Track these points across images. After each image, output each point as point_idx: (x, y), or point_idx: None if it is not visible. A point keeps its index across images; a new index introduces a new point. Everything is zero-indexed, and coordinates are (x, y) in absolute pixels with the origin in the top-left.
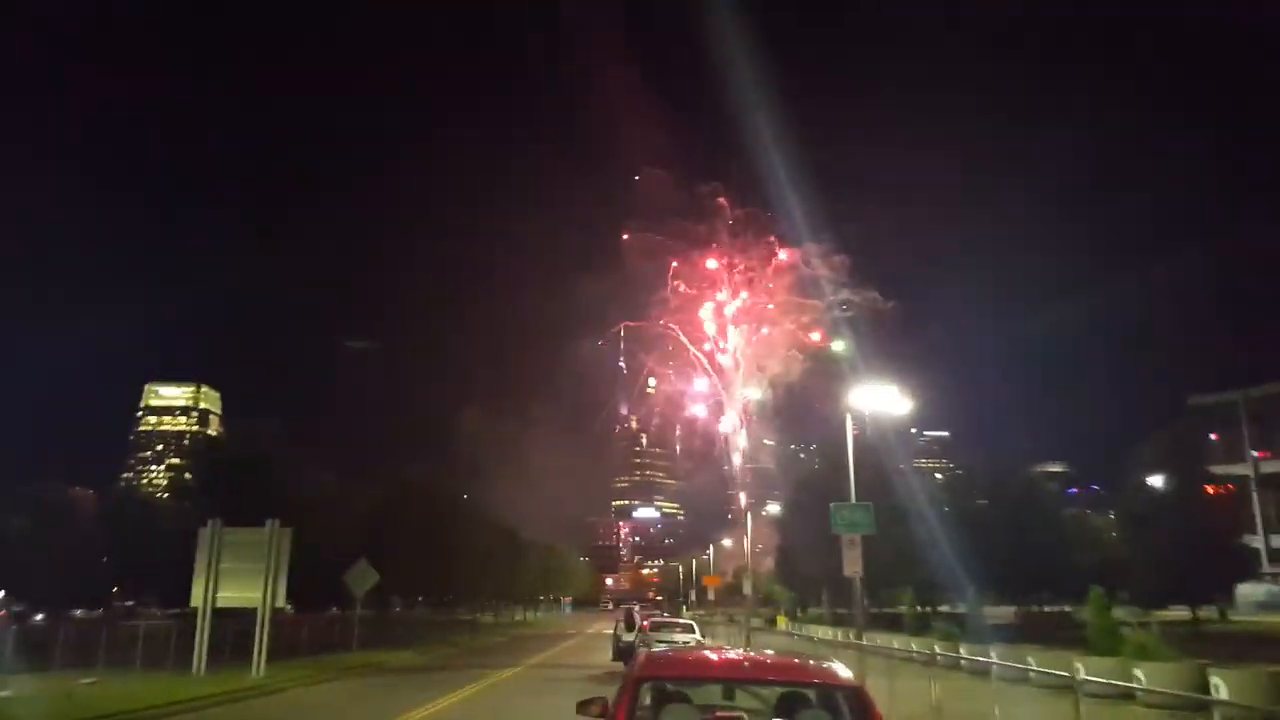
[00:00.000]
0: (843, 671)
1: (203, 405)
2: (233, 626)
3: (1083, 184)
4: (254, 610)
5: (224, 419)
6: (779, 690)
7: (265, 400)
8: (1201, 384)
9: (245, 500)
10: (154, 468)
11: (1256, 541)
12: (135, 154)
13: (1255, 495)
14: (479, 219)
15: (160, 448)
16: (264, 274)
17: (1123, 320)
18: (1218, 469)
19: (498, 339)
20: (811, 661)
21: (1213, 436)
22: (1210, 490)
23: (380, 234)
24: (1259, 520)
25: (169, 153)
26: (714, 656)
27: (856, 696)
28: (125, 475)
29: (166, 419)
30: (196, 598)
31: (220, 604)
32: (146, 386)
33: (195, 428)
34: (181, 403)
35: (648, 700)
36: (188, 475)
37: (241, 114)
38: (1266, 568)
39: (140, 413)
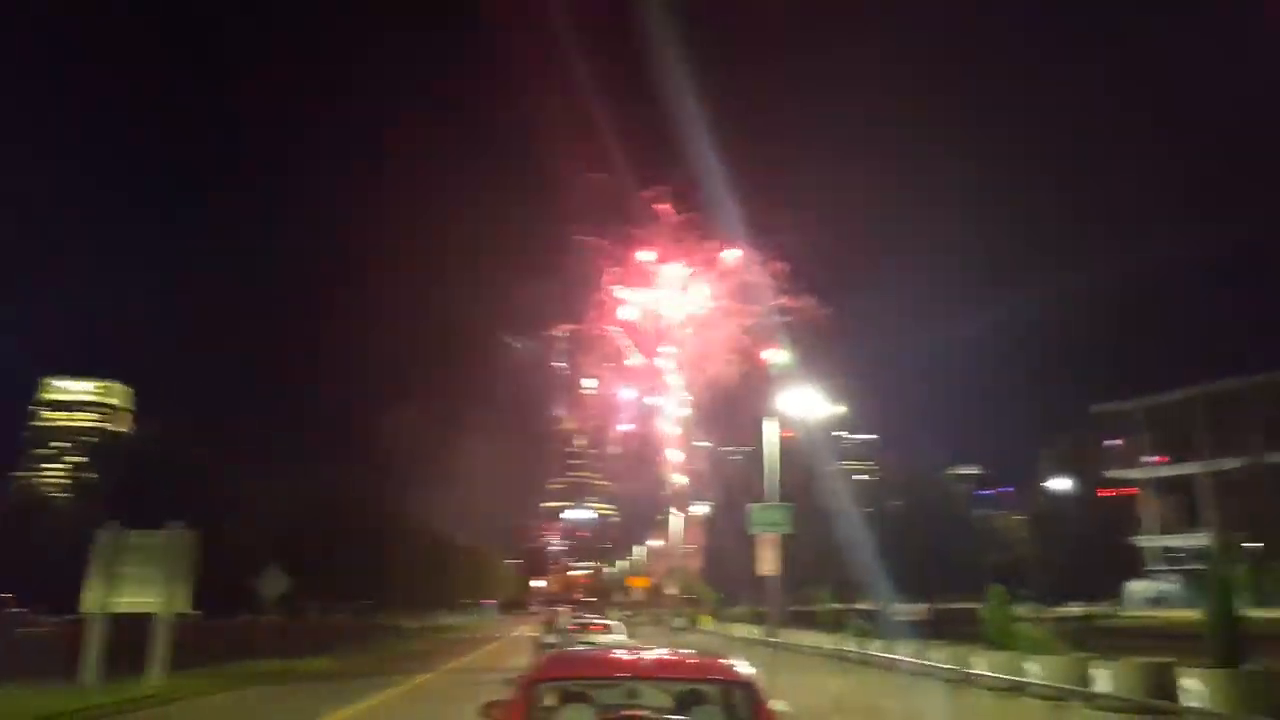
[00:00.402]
0: (741, 668)
1: (112, 401)
2: (131, 635)
3: (1000, 196)
4: (156, 616)
5: (137, 416)
6: (679, 687)
7: (183, 400)
8: (1106, 391)
9: (152, 501)
10: (51, 466)
11: (1150, 542)
12: (49, 138)
13: (1145, 498)
14: (410, 216)
15: (60, 445)
16: (184, 267)
17: (1037, 328)
18: (1115, 473)
19: (429, 339)
20: (711, 659)
21: (1117, 442)
22: (1110, 493)
23: (307, 230)
24: (1149, 521)
25: (86, 135)
26: (615, 655)
27: (750, 691)
28: (19, 474)
29: (67, 414)
30: (89, 603)
31: (117, 609)
32: (43, 380)
33: (104, 424)
34: (87, 398)
35: (551, 701)
36: (93, 474)
37: (158, 101)
38: (1155, 566)
39: (37, 407)
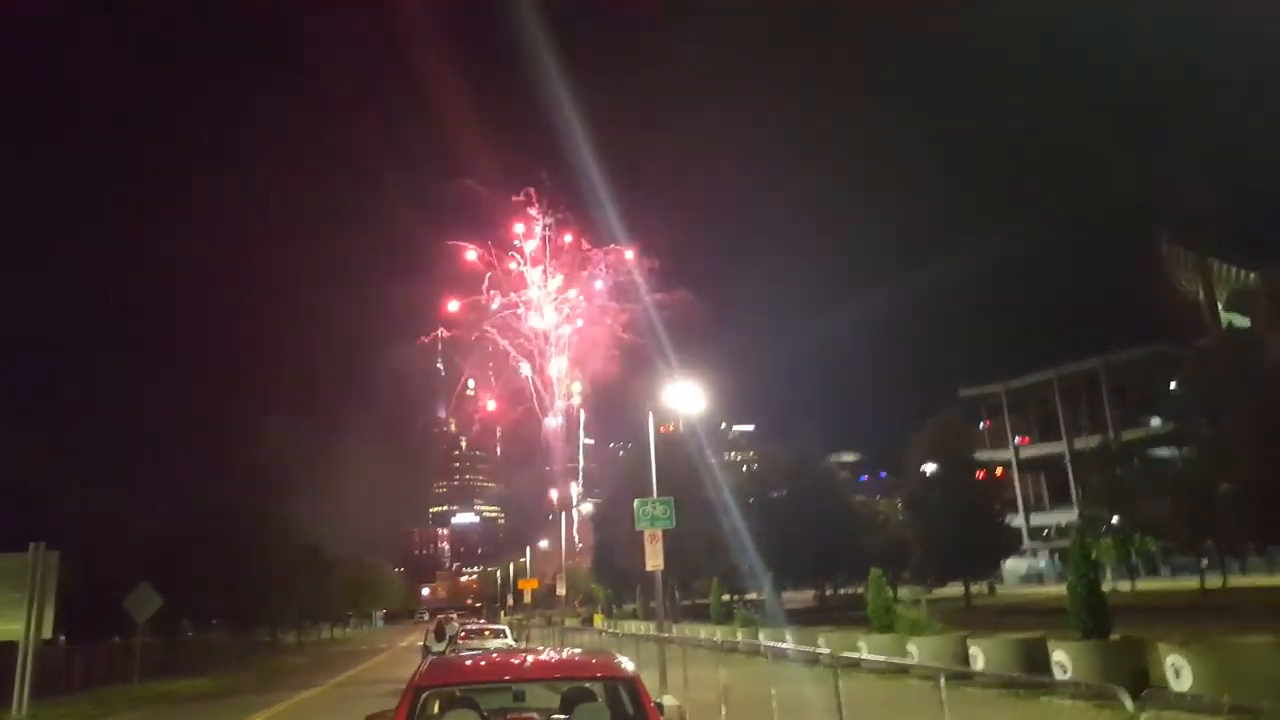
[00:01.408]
0: (624, 664)
1: None
2: None
3: (869, 188)
4: (15, 644)
5: None
6: (563, 687)
7: (44, 417)
8: (974, 376)
9: (13, 524)
10: None
11: (1018, 521)
12: None
13: (1016, 478)
14: (283, 224)
15: None
16: (42, 276)
17: (909, 314)
18: (984, 455)
19: (306, 348)
20: (594, 657)
21: (984, 424)
22: (980, 475)
23: (177, 237)
24: (1019, 501)
25: None
26: (499, 659)
27: (632, 686)
28: None
29: None
30: None
31: None
32: None
33: None
34: None
35: (436, 709)
36: None
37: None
38: (1027, 544)
39: None
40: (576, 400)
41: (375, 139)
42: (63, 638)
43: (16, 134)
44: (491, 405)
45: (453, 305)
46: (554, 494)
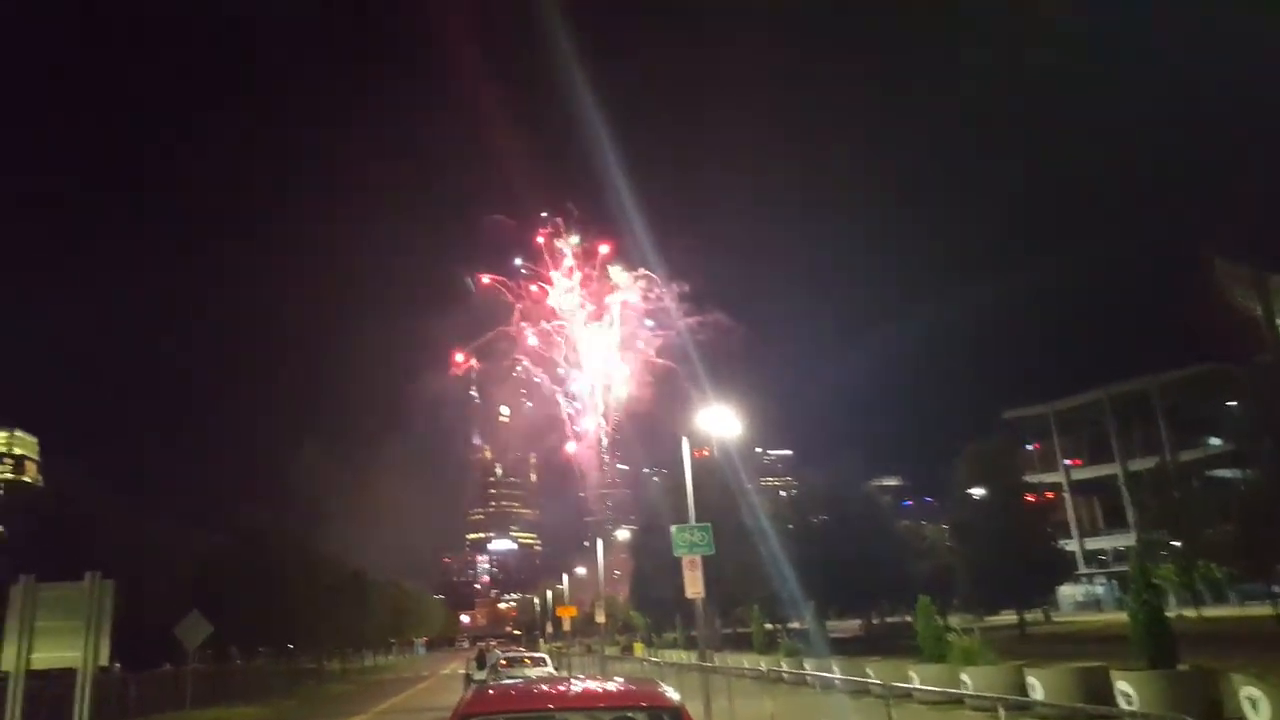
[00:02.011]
0: (668, 693)
1: (18, 451)
2: (50, 690)
3: (914, 206)
4: (74, 671)
5: (41, 466)
6: (607, 716)
7: (90, 444)
8: (1020, 397)
9: (64, 552)
10: None
11: (1072, 545)
12: None
13: (1069, 501)
14: (323, 255)
15: None
16: (87, 308)
17: (949, 339)
18: (1034, 478)
19: (344, 376)
20: (637, 686)
21: (1032, 447)
22: (1030, 498)
23: (216, 274)
24: (1072, 524)
25: None
26: (542, 688)
27: (677, 716)
28: None
29: None
30: (8, 661)
31: (36, 665)
32: None
33: (10, 476)
34: None
35: None
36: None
37: (64, 130)
38: (1082, 569)
39: None
40: (610, 425)
41: (411, 174)
42: (117, 665)
43: (70, 168)
44: (524, 427)
45: (486, 334)
46: (593, 520)
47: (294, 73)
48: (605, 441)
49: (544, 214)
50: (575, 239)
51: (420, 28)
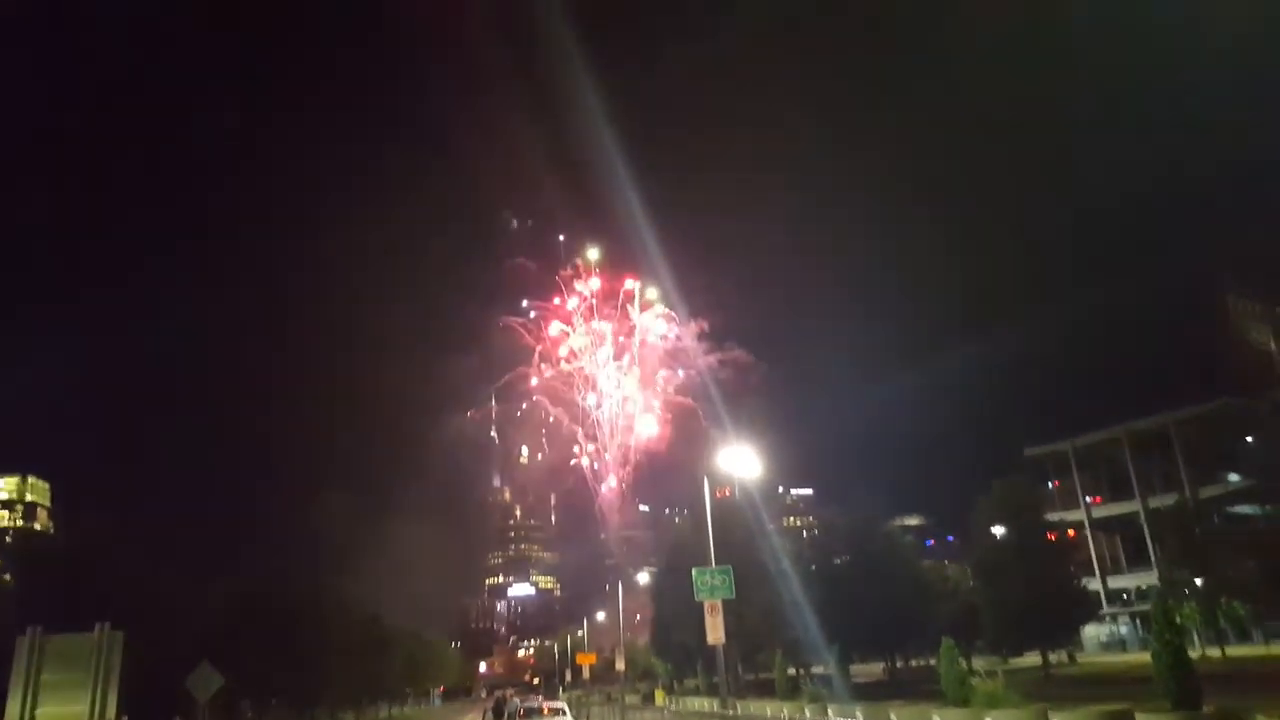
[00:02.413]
0: None
1: (30, 498)
2: None
3: (933, 244)
4: None
5: (53, 513)
6: None
7: (103, 490)
8: (1040, 435)
9: (75, 602)
10: None
11: (1095, 584)
12: None
13: (1090, 539)
14: (341, 300)
15: None
16: (103, 354)
17: (970, 373)
18: (1055, 516)
19: (362, 420)
20: None
21: (1052, 485)
22: (1051, 536)
23: (231, 319)
24: (1094, 563)
25: None
26: None
27: None
28: None
29: None
30: (12, 716)
31: None
32: None
33: (20, 523)
34: (3, 495)
35: None
36: (6, 576)
37: (75, 171)
38: (1106, 609)
39: None
40: (629, 465)
41: (430, 217)
42: (125, 719)
43: (79, 209)
44: (543, 469)
45: (505, 376)
46: (613, 563)
47: (314, 112)
48: (625, 483)
49: (565, 256)
50: (595, 282)
51: (435, 72)
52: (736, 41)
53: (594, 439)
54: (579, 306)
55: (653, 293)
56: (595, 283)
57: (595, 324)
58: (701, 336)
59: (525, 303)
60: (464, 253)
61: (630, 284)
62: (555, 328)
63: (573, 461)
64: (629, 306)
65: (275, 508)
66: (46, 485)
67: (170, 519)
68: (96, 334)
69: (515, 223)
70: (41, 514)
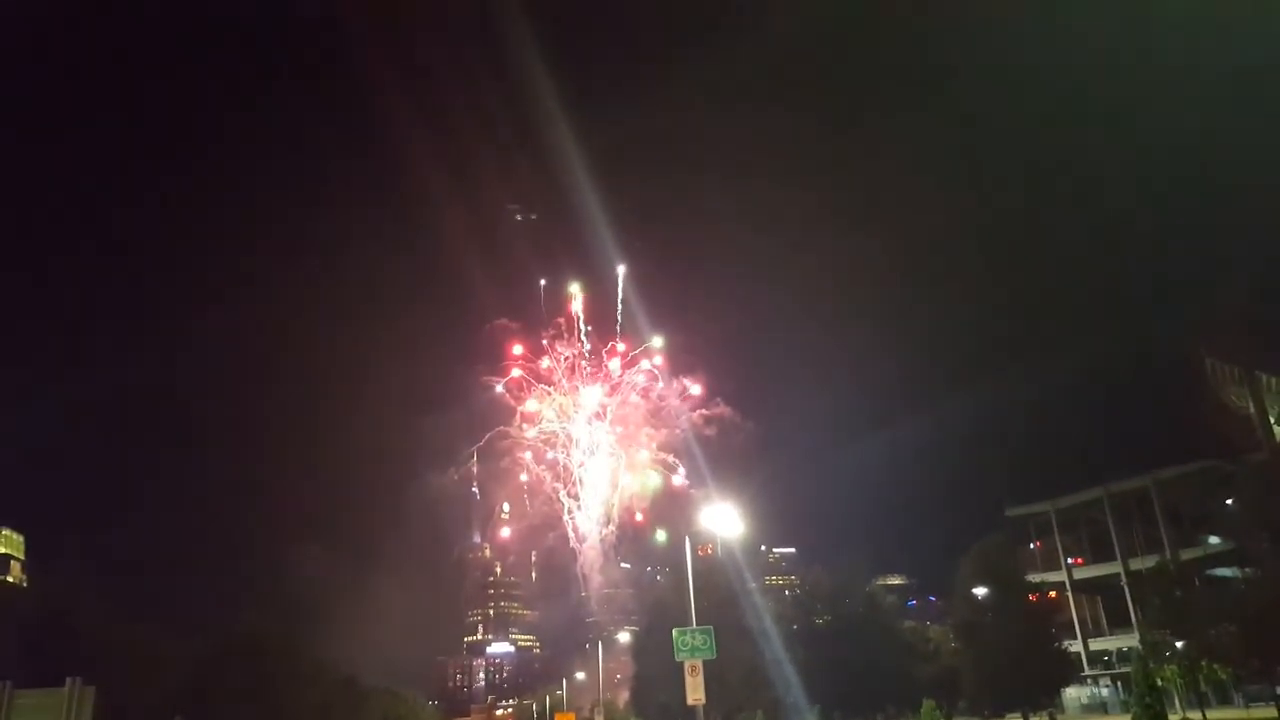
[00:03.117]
0: None
1: (3, 550)
2: None
3: (915, 306)
4: None
5: (28, 566)
6: None
7: (79, 543)
8: (1020, 493)
9: (46, 656)
10: None
11: (1076, 646)
12: None
13: (1071, 600)
14: (320, 353)
15: None
16: (75, 402)
17: (952, 434)
18: (1036, 577)
19: (342, 476)
20: None
21: (1034, 545)
22: (1032, 598)
23: (209, 372)
24: (1076, 624)
25: None
26: None
27: None
28: None
29: None
30: None
31: None
32: None
33: None
34: None
35: None
36: None
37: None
38: (1087, 670)
39: None
40: (611, 523)
41: (412, 275)
42: None
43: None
44: (525, 525)
45: (486, 434)
46: (593, 621)
47: (296, 169)
48: (606, 540)
49: (545, 314)
50: (584, 345)
51: (419, 132)
52: (708, 99)
53: (575, 497)
54: (561, 365)
55: (638, 351)
56: (584, 344)
57: (577, 383)
58: (684, 395)
59: (505, 363)
60: (446, 313)
61: (623, 346)
62: (536, 390)
63: (552, 534)
64: (608, 365)
65: (252, 562)
66: (21, 538)
67: (146, 572)
68: (74, 386)
69: (519, 217)
70: (15, 567)
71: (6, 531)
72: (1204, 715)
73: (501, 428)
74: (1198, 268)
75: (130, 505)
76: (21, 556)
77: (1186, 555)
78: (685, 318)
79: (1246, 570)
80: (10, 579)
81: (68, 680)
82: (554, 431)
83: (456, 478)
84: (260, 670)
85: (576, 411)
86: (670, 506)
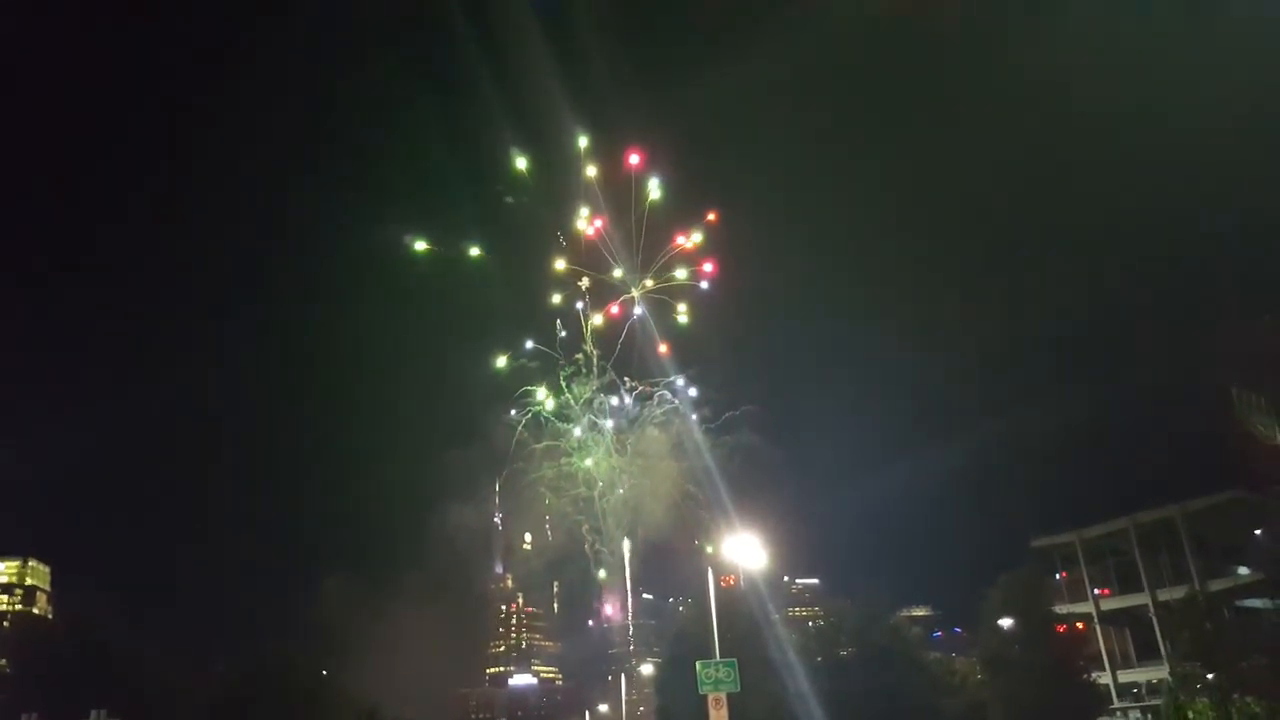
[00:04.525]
0: None
1: (30, 581)
2: None
3: (938, 334)
4: None
5: (54, 597)
6: None
7: (105, 574)
8: (1046, 523)
9: (72, 687)
10: None
11: (1105, 678)
12: None
13: (1098, 632)
14: (343, 384)
15: None
16: (103, 437)
17: (977, 463)
18: (1063, 608)
19: (364, 506)
20: None
21: (1060, 576)
22: (1060, 629)
23: (232, 398)
24: (1104, 657)
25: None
26: None
27: None
28: None
29: None
30: None
31: None
32: None
33: (19, 607)
34: (2, 579)
35: None
36: (3, 661)
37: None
38: (1116, 704)
39: None
40: (633, 553)
41: (434, 306)
42: None
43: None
44: (546, 557)
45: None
46: (616, 653)
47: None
48: (629, 571)
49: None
50: (603, 377)
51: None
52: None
53: (597, 530)
54: (581, 401)
55: (659, 375)
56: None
57: (597, 419)
58: (707, 422)
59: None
60: (468, 348)
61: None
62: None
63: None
64: (628, 391)
65: (275, 594)
66: (46, 569)
67: (170, 603)
68: (100, 416)
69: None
70: (41, 598)
71: (33, 563)
72: None
73: (523, 462)
74: (1229, 294)
75: (155, 538)
76: (48, 588)
77: (1215, 586)
78: (714, 344)
79: (1277, 601)
80: (36, 610)
81: (93, 712)
82: (574, 465)
83: (479, 509)
84: (284, 700)
85: (597, 446)
86: (692, 534)
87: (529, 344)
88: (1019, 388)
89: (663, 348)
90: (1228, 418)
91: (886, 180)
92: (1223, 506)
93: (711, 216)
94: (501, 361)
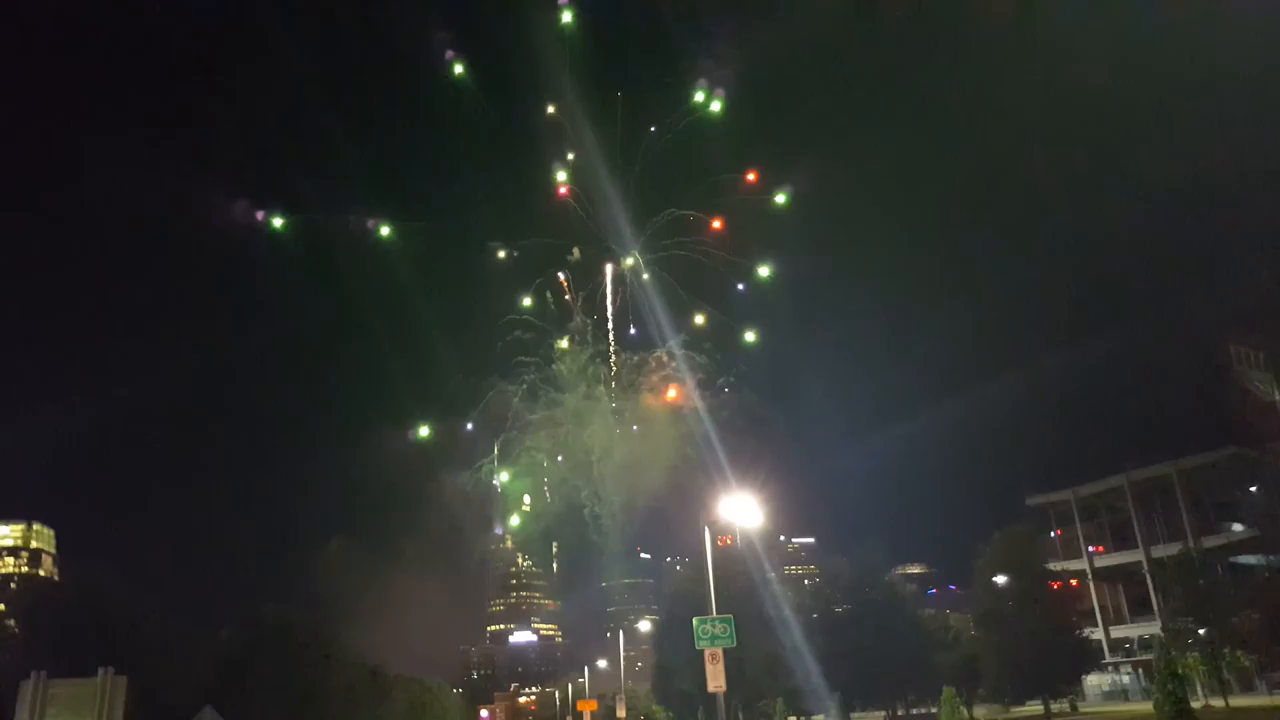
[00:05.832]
0: None
1: (35, 545)
2: None
3: (937, 296)
4: None
5: (59, 560)
6: None
7: (110, 537)
8: (1041, 481)
9: (79, 647)
10: None
11: (1098, 634)
12: None
13: (1092, 588)
14: (348, 353)
15: None
16: (109, 404)
17: (973, 422)
18: (1057, 565)
19: (368, 470)
20: None
21: (1055, 534)
22: (1054, 586)
23: (238, 370)
24: (1097, 612)
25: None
26: None
27: None
28: None
29: None
30: None
31: None
32: None
33: (25, 569)
34: (9, 542)
35: None
36: (11, 622)
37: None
38: (1108, 658)
39: None
40: (631, 511)
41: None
42: None
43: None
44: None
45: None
46: (614, 610)
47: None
48: (627, 530)
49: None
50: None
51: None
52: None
53: (596, 493)
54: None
55: (659, 336)
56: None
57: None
58: (705, 385)
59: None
60: (466, 319)
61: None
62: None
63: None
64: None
65: (280, 557)
66: (51, 532)
67: (175, 567)
68: (105, 383)
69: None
70: (46, 560)
71: (38, 526)
72: (1227, 703)
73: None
74: (1224, 255)
75: (159, 501)
76: (53, 550)
77: (1209, 543)
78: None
79: (1270, 558)
80: (42, 572)
81: (100, 670)
82: (570, 430)
83: (478, 475)
84: (288, 660)
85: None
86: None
87: (527, 301)
88: (1015, 350)
89: (699, 317)
90: (1224, 375)
91: (883, 149)
92: (1218, 464)
93: (752, 176)
94: (527, 300)
